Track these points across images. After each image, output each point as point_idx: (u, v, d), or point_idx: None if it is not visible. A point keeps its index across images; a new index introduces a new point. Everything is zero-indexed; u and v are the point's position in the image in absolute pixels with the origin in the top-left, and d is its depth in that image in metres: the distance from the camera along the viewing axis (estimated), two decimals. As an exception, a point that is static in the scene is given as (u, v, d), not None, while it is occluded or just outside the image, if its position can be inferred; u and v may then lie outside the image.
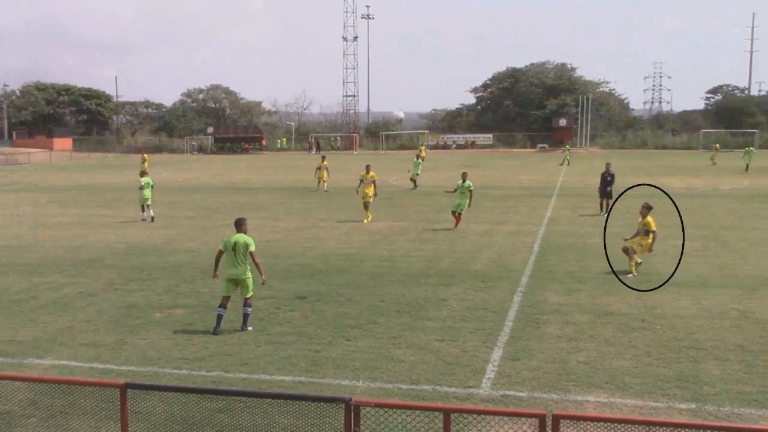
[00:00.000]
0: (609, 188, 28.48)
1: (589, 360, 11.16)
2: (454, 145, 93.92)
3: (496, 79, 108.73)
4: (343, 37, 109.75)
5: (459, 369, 10.80)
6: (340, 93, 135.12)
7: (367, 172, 27.81)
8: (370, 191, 27.24)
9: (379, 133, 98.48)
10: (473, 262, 19.16)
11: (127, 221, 27.77)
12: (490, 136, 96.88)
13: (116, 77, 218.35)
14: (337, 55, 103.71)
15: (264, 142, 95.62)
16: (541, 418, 6.34)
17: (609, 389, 9.96)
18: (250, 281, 12.80)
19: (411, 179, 40.71)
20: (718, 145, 66.72)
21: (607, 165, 29.50)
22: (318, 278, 16.57)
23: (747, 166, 51.55)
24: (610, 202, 28.52)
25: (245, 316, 12.86)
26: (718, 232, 23.85)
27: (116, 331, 12.94)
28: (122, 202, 34.83)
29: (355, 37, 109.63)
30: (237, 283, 12.78)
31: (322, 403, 7.01)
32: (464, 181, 25.08)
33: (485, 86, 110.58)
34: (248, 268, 12.76)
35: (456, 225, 24.88)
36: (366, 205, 27.12)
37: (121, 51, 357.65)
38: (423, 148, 67.29)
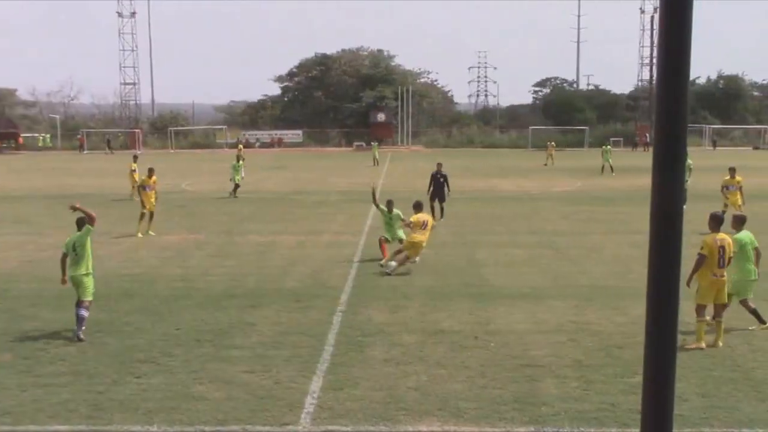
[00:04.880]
0: (444, 190, 29.40)
1: (420, 385, 11.56)
2: (258, 143, 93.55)
3: (304, 66, 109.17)
4: (117, 13, 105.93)
5: (273, 404, 10.82)
6: (117, 80, 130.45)
7: (150, 176, 27.17)
8: (153, 198, 26.76)
9: (167, 128, 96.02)
10: (285, 279, 19.24)
11: None
12: (300, 132, 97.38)
13: None
14: (112, 33, 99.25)
15: (21, 140, 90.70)
16: (371, 453, 6.54)
17: (442, 416, 10.38)
18: (88, 283, 14.29)
19: (236, 185, 38.51)
20: (553, 142, 69.57)
21: (438, 165, 30.51)
22: (98, 305, 15.91)
23: (604, 167, 53.59)
24: (444, 205, 29.51)
25: (79, 319, 13.91)
26: (551, 238, 25.49)
27: None
28: None
29: (133, 13, 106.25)
30: (75, 284, 14.25)
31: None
32: (390, 210, 21.83)
33: (291, 75, 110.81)
34: (87, 269, 14.28)
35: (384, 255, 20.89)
36: (151, 216, 26.49)
37: None
38: (241, 147, 65.49)
